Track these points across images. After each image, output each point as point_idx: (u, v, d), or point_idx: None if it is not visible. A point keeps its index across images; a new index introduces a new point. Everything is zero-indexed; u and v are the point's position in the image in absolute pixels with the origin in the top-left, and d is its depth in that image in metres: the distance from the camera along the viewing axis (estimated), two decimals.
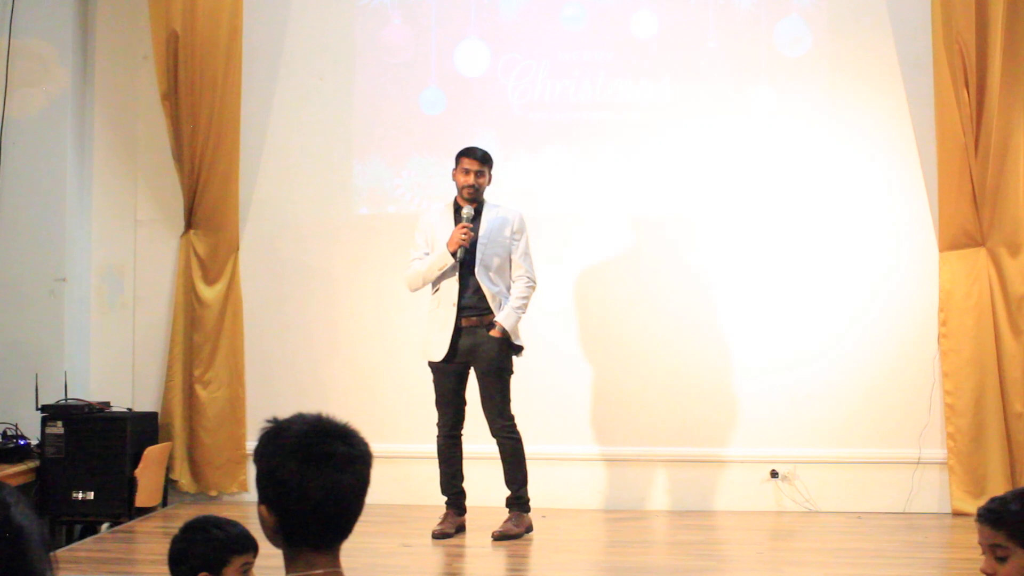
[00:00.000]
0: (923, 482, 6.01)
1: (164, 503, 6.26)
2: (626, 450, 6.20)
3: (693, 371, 6.22)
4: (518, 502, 5.35)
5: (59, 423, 5.83)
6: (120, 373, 6.45)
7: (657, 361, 6.22)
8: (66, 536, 5.91)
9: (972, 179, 5.91)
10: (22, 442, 5.81)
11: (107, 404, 6.14)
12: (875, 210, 6.21)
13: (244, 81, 6.36)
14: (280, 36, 6.50)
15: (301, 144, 6.48)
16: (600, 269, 6.32)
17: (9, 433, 5.83)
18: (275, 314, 6.43)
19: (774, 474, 6.09)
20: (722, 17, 6.30)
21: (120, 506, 5.85)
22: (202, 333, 6.32)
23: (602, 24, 6.38)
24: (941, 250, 6.05)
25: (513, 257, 5.37)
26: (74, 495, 5.80)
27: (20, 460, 5.75)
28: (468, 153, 5.38)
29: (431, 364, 5.35)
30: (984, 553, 2.34)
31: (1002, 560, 2.29)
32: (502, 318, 5.25)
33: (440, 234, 5.34)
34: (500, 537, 5.23)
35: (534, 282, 5.38)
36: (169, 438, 6.29)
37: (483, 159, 5.37)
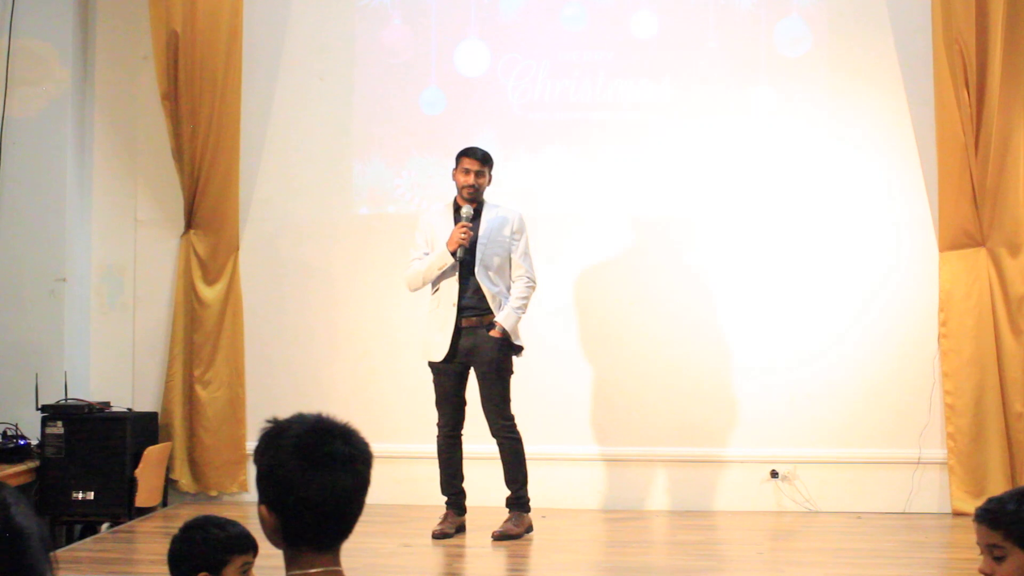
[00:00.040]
0: (923, 482, 6.01)
1: (164, 503, 6.26)
2: (626, 450, 6.20)
3: (693, 371, 6.22)
4: (518, 502, 5.35)
5: (59, 423, 5.83)
6: (120, 373, 6.45)
7: (657, 361, 6.22)
8: (66, 536, 5.91)
9: (972, 179, 5.91)
10: (22, 442, 5.81)
11: (107, 404, 6.14)
12: (875, 210, 6.21)
13: (244, 81, 6.36)
14: (280, 36, 6.50)
15: (301, 144, 6.48)
16: (600, 269, 6.32)
17: (9, 433, 5.83)
18: (275, 314, 6.43)
19: (774, 474, 6.09)
20: (722, 17, 6.30)
21: (120, 506, 5.85)
22: (202, 333, 6.32)
23: (602, 24, 6.38)
24: (941, 250, 6.05)
25: (513, 257, 5.37)
26: (74, 495, 5.80)
27: (20, 460, 5.75)
28: (468, 153, 5.38)
29: (431, 364, 5.35)
30: (982, 553, 2.34)
31: (1000, 560, 2.29)
32: (502, 318, 5.25)
33: (440, 234, 5.33)
34: (500, 537, 5.23)
35: (534, 282, 5.38)
36: (169, 438, 6.29)
37: (483, 159, 5.37)
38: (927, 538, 5.46)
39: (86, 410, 5.91)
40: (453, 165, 5.44)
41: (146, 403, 6.40)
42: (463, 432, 5.41)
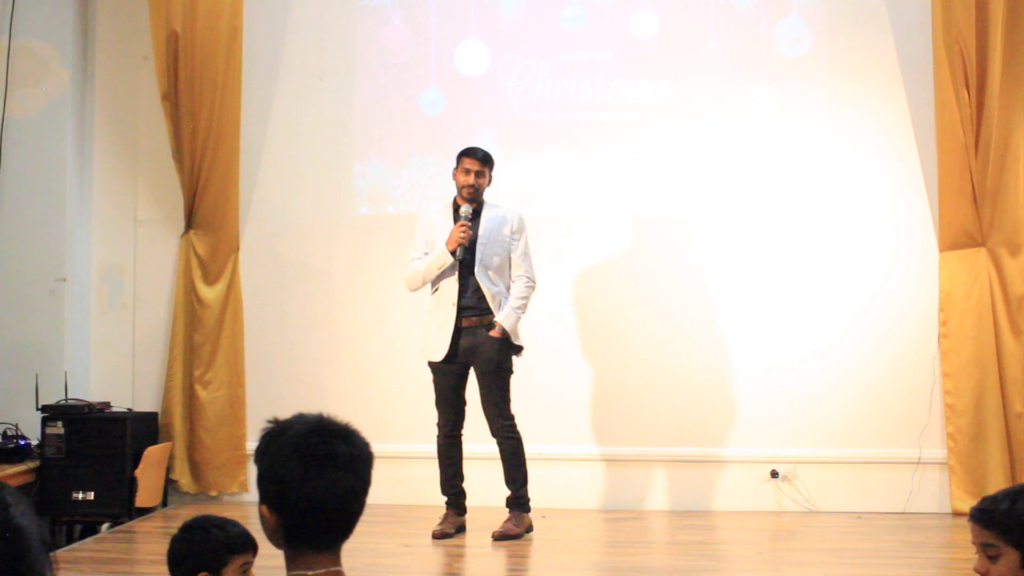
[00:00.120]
0: (923, 482, 6.01)
1: (164, 503, 6.26)
2: (626, 450, 6.20)
3: (693, 371, 6.22)
4: (518, 502, 5.35)
5: (59, 423, 5.83)
6: (120, 373, 6.45)
7: (657, 361, 6.22)
8: (66, 536, 5.91)
9: (972, 179, 5.91)
10: (22, 442, 5.81)
11: (107, 404, 6.14)
12: (875, 210, 6.21)
13: (244, 81, 6.36)
14: (280, 36, 6.50)
15: (301, 144, 6.48)
16: (600, 269, 6.32)
17: (9, 433, 5.84)
18: (275, 314, 6.43)
19: (774, 474, 6.09)
20: (722, 17, 6.30)
21: (120, 506, 5.85)
22: (202, 333, 6.33)
23: (602, 24, 6.38)
24: (941, 250, 6.05)
25: (512, 257, 5.37)
26: (74, 495, 5.80)
27: (20, 460, 5.75)
28: (469, 153, 5.38)
29: (431, 364, 5.35)
30: (977, 552, 2.35)
31: (994, 559, 2.30)
32: (502, 318, 5.25)
33: (439, 234, 5.34)
34: (500, 537, 5.23)
35: (533, 282, 5.38)
36: (169, 438, 6.29)
37: (484, 160, 5.37)
38: (927, 538, 5.46)
39: (86, 410, 5.92)
40: (453, 165, 5.44)
41: (146, 403, 6.40)
42: (463, 432, 5.41)
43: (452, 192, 5.45)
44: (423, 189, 6.38)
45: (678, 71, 6.33)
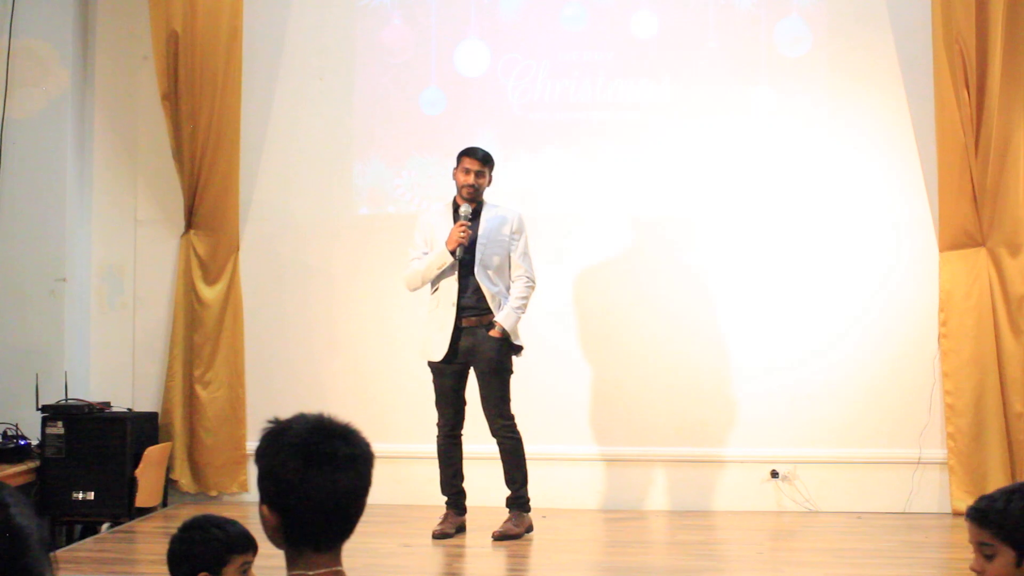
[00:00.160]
0: (923, 482, 6.01)
1: (164, 503, 6.26)
2: (626, 450, 6.20)
3: (693, 371, 6.22)
4: (518, 502, 5.35)
5: (59, 423, 5.83)
6: (120, 373, 6.45)
7: (657, 361, 6.22)
8: (66, 536, 5.91)
9: (972, 179, 5.91)
10: (22, 442, 5.81)
11: (107, 404, 6.14)
12: (875, 210, 6.21)
13: (244, 81, 6.36)
14: (280, 36, 6.50)
15: (301, 144, 6.48)
16: (600, 269, 6.32)
17: (9, 433, 5.83)
18: (275, 314, 6.43)
19: (774, 474, 6.09)
20: (722, 17, 6.30)
21: (120, 506, 5.85)
22: (202, 333, 6.33)
23: (602, 24, 6.38)
24: (941, 250, 6.05)
25: (512, 257, 5.37)
26: (74, 495, 5.80)
27: (20, 460, 5.75)
28: (469, 153, 5.38)
29: (431, 364, 5.35)
30: (974, 551, 2.35)
31: (990, 558, 2.31)
32: (502, 318, 5.25)
33: (439, 234, 5.34)
34: (500, 537, 5.23)
35: (533, 282, 5.38)
36: (169, 438, 6.29)
37: (484, 160, 5.37)
38: (927, 538, 5.46)
39: (86, 410, 5.92)
40: (453, 165, 5.44)
41: (146, 403, 6.40)
42: (463, 432, 5.41)
43: (452, 192, 5.45)
44: (423, 189, 6.38)
45: (678, 71, 6.33)
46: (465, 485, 5.44)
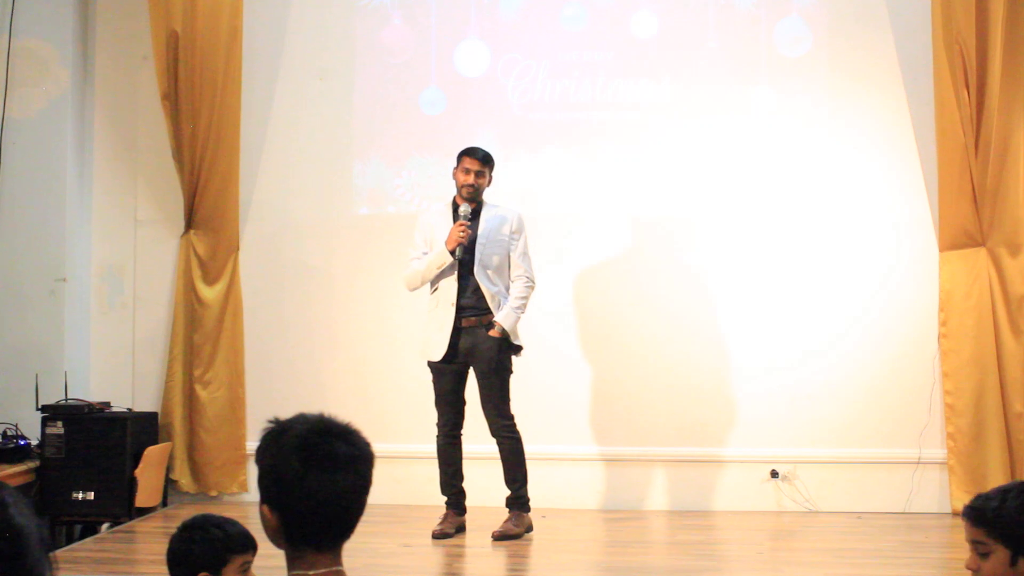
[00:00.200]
0: (923, 482, 6.01)
1: (164, 503, 6.26)
2: (626, 450, 6.20)
3: (693, 371, 6.21)
4: (518, 502, 5.35)
5: (59, 423, 5.83)
6: (120, 373, 6.45)
7: (657, 361, 6.22)
8: (66, 536, 5.91)
9: (972, 179, 5.91)
10: (22, 442, 5.80)
11: (107, 404, 6.14)
12: (875, 210, 6.21)
13: (244, 81, 6.36)
14: (280, 36, 6.50)
15: (301, 144, 6.48)
16: (600, 269, 6.32)
17: (9, 433, 5.83)
18: (275, 314, 6.43)
19: (774, 474, 6.09)
20: (722, 17, 6.30)
21: (120, 506, 5.84)
22: (202, 333, 6.32)
23: (602, 24, 6.38)
24: (941, 250, 6.05)
25: (512, 257, 5.36)
26: (74, 495, 5.80)
27: (20, 460, 5.75)
28: (470, 153, 5.38)
29: (430, 364, 5.35)
30: (970, 550, 2.36)
31: (985, 556, 2.31)
32: (501, 318, 5.25)
33: (439, 233, 5.34)
34: (500, 537, 5.23)
35: (533, 282, 5.38)
36: (169, 438, 6.29)
37: (484, 160, 5.37)
38: (927, 538, 5.46)
39: (86, 410, 5.91)
40: (453, 165, 5.44)
41: (146, 403, 6.40)
42: (463, 432, 5.41)
43: (452, 192, 5.45)
44: (423, 189, 6.38)
45: (678, 71, 6.33)
46: (465, 485, 5.44)
